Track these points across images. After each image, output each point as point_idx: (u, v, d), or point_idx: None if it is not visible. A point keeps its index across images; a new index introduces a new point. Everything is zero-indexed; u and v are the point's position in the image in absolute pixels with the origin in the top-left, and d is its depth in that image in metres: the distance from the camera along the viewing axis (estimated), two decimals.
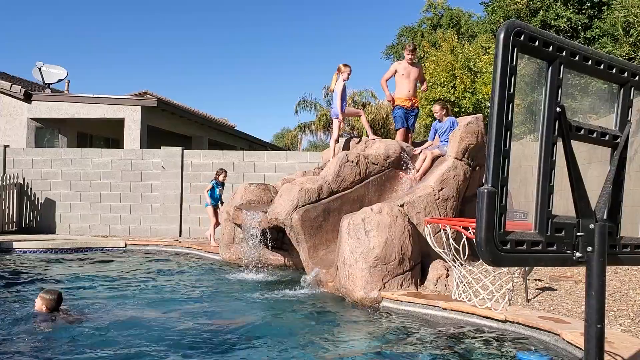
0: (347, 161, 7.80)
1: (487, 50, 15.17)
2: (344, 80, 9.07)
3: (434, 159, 8.04)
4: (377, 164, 8.07)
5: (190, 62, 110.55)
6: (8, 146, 13.04)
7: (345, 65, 9.10)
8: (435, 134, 8.66)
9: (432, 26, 23.86)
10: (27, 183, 12.62)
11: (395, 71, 9.33)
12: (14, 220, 12.39)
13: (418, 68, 9.49)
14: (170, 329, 4.92)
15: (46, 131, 16.29)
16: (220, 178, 10.80)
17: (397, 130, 9.40)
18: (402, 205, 6.92)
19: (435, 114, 8.59)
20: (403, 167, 8.36)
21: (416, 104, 9.48)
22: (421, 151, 8.47)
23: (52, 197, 12.61)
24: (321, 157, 10.91)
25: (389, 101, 9.44)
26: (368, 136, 9.36)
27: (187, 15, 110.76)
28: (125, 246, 10.94)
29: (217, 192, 10.66)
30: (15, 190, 12.40)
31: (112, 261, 9.37)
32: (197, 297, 6.55)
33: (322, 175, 7.79)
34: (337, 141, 9.56)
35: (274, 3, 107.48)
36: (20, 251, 10.08)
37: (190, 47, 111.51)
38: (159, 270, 8.43)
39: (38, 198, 12.64)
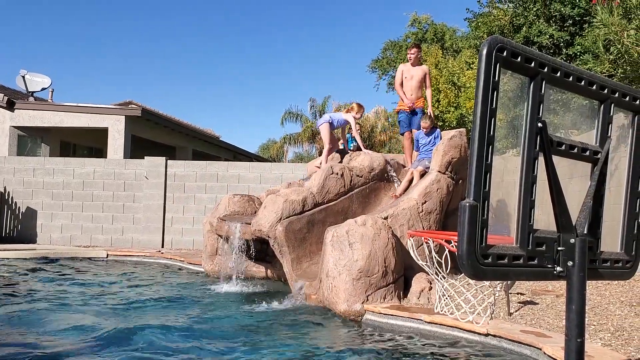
0: (332, 173, 7.82)
1: (471, 66, 15.32)
2: (353, 117, 9.10)
3: (421, 176, 8.04)
4: (361, 177, 8.09)
5: (176, 72, 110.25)
6: None
7: (359, 105, 9.18)
8: (419, 145, 8.63)
9: (416, 41, 24.04)
10: (8, 192, 12.45)
11: (402, 73, 9.19)
12: None
13: (421, 68, 9.19)
14: (148, 343, 4.85)
15: (29, 140, 16.12)
16: None
17: (402, 134, 9.30)
18: (386, 218, 6.93)
19: (424, 130, 8.53)
20: (387, 180, 8.39)
21: (419, 106, 9.16)
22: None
23: (34, 207, 12.45)
24: (306, 168, 10.91)
25: (410, 106, 9.07)
26: (361, 149, 9.25)
27: (172, 25, 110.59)
28: (107, 257, 10.82)
29: None
30: None
31: (92, 271, 9.25)
32: (178, 309, 6.48)
33: (307, 186, 7.79)
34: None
35: (259, 14, 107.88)
36: None
37: (175, 57, 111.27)
38: (139, 282, 8.34)
39: (19, 207, 12.46)
